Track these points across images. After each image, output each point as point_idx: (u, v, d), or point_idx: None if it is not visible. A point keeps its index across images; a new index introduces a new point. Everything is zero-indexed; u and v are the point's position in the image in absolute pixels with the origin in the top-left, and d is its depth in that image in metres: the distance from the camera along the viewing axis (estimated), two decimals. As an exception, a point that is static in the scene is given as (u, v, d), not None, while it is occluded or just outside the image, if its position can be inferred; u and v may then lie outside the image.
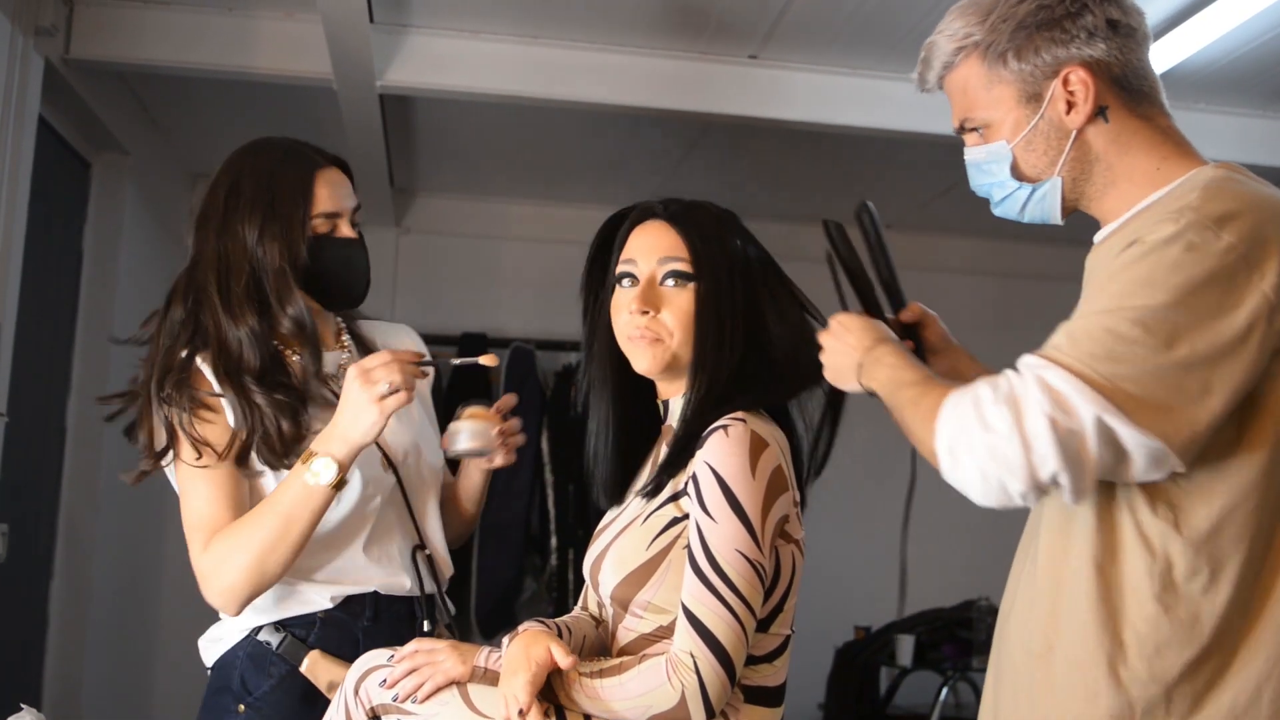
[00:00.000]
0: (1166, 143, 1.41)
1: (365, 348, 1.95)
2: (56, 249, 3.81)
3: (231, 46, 3.40)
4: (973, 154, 1.49)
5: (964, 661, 4.31)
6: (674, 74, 3.61)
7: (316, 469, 1.66)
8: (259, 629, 1.76)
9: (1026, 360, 1.26)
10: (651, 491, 1.58)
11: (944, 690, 4.21)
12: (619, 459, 1.72)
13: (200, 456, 1.72)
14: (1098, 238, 1.44)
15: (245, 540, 1.67)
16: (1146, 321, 1.21)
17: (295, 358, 1.81)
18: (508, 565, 4.60)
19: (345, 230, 1.85)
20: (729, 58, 3.63)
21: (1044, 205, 1.45)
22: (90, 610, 3.94)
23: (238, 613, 1.71)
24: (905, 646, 4.27)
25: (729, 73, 3.63)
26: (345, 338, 1.95)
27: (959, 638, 4.37)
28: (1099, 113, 1.39)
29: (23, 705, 1.79)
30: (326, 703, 1.71)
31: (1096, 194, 1.43)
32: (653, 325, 1.61)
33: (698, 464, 1.52)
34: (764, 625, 1.54)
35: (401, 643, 1.71)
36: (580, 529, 4.64)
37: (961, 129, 1.49)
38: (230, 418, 1.73)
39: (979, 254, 5.47)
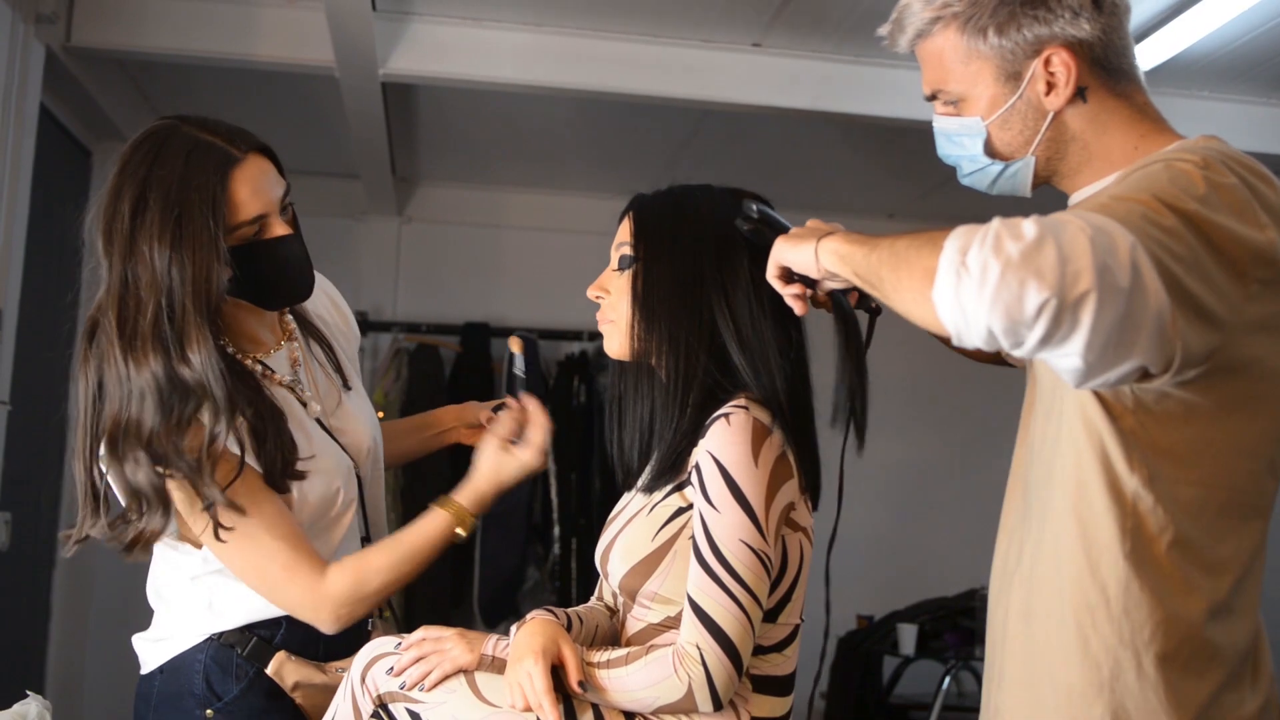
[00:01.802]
0: (1144, 120, 1.37)
1: (310, 329, 1.87)
2: (58, 237, 3.79)
3: (233, 34, 3.39)
4: (943, 124, 1.44)
5: (966, 650, 4.29)
6: (678, 61, 3.60)
7: (471, 525, 1.72)
8: (221, 633, 1.71)
9: None
10: (649, 487, 1.57)
11: (946, 679, 4.20)
12: (643, 445, 1.69)
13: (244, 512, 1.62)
14: (1071, 201, 1.40)
15: (390, 580, 1.68)
16: (1172, 204, 1.14)
17: (250, 361, 1.72)
18: (510, 554, 4.60)
19: (276, 229, 1.66)
20: (732, 45, 3.61)
21: (1014, 182, 1.42)
22: (93, 599, 3.94)
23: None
24: (908, 636, 4.27)
25: (732, 60, 3.62)
26: (289, 318, 1.84)
27: (961, 627, 4.35)
28: (1078, 93, 1.35)
29: (28, 692, 1.78)
30: (291, 702, 1.70)
31: (1070, 171, 1.40)
32: (606, 310, 1.64)
33: (700, 453, 1.51)
34: (772, 615, 1.53)
35: (357, 637, 1.72)
36: (582, 518, 4.64)
37: (933, 96, 1.45)
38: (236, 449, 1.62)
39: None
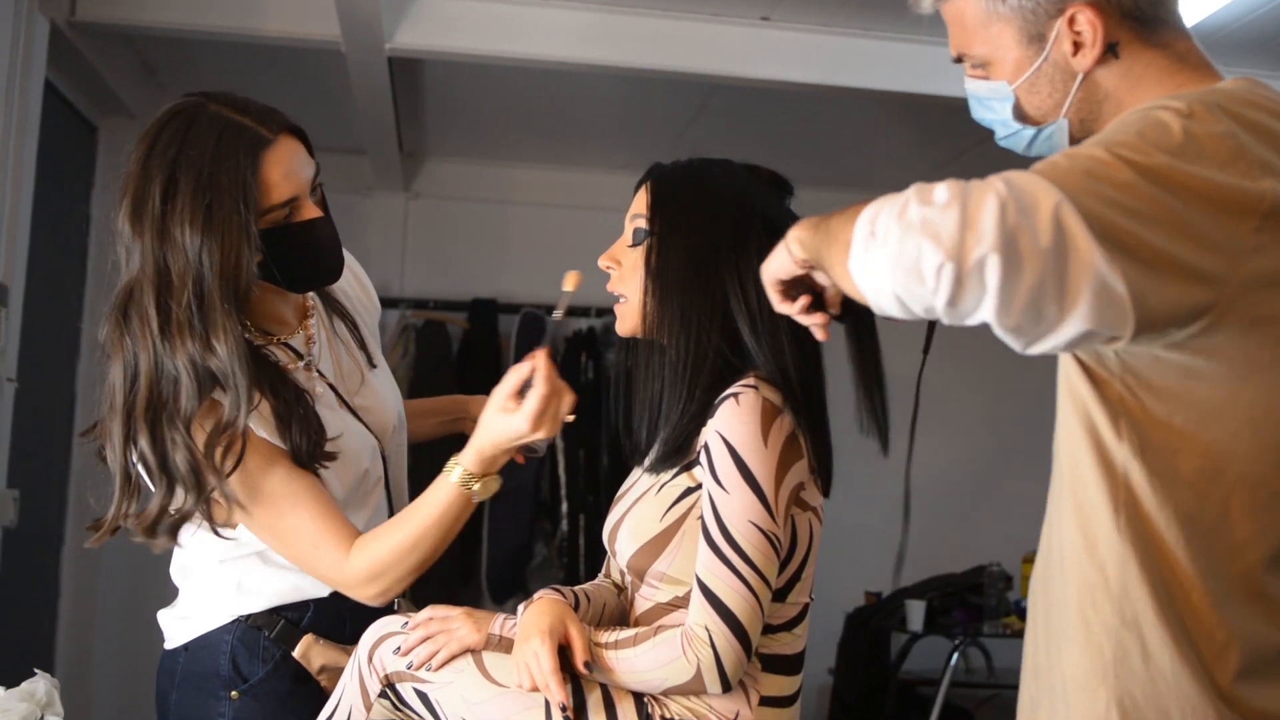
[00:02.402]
0: (1184, 69, 1.27)
1: (334, 306, 1.85)
2: (64, 214, 3.79)
3: (239, 8, 3.37)
4: (973, 86, 1.37)
5: (974, 627, 4.30)
6: (685, 35, 3.56)
7: (489, 487, 1.62)
8: (249, 615, 1.70)
9: None
10: (656, 466, 1.55)
11: (954, 655, 4.20)
12: (649, 424, 1.68)
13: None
14: None
15: (407, 552, 1.61)
16: (1129, 158, 1.07)
17: (275, 344, 1.71)
18: (518, 531, 4.60)
19: (307, 212, 1.64)
20: (740, 19, 3.58)
21: (1051, 144, 1.35)
22: (101, 577, 3.95)
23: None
24: (916, 612, 4.27)
25: (741, 34, 3.59)
26: (311, 298, 1.82)
27: (970, 603, 4.36)
28: (1109, 49, 1.26)
29: (36, 670, 1.78)
30: (317, 685, 1.70)
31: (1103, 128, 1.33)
32: (616, 283, 1.62)
33: (709, 433, 1.49)
34: (782, 594, 1.52)
35: (379, 618, 1.69)
36: (590, 495, 4.63)
37: (959, 59, 1.39)
38: (264, 433, 1.62)
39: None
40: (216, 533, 1.64)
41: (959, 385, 5.22)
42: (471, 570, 4.61)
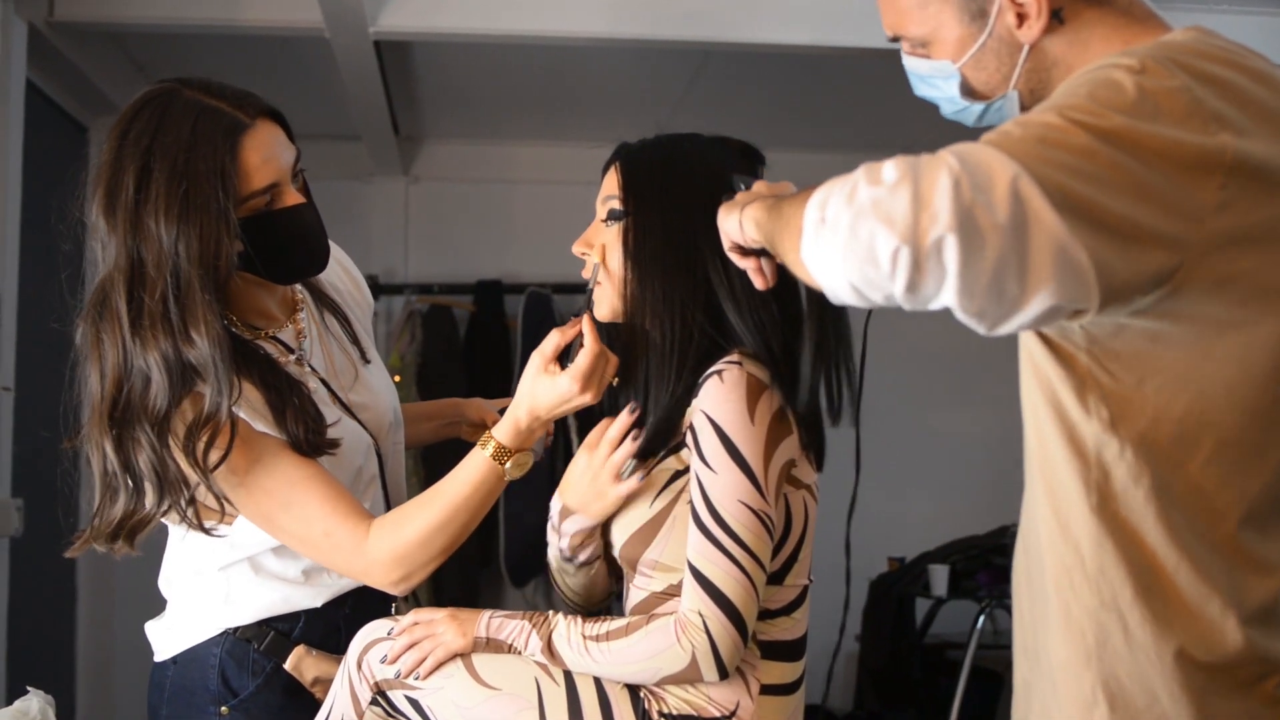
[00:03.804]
0: (1130, 23, 1.22)
1: (324, 301, 1.80)
2: (58, 215, 3.76)
3: (218, 0, 3.32)
4: (913, 64, 1.31)
5: (1000, 589, 4.23)
6: (677, 1, 3.49)
7: (523, 463, 1.56)
8: (237, 627, 1.66)
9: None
10: (644, 451, 1.50)
11: (981, 618, 4.16)
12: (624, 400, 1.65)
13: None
14: None
15: (435, 532, 1.55)
16: (1084, 121, 1.02)
17: (262, 338, 1.67)
18: (534, 513, 4.55)
19: (288, 198, 1.58)
20: (732, -18, 3.51)
21: (1001, 116, 1.30)
22: (117, 578, 3.94)
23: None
24: (940, 577, 4.22)
25: (732, -2, 3.52)
26: (298, 289, 1.76)
27: (994, 565, 4.29)
28: (1053, 15, 1.21)
29: (29, 689, 1.76)
30: (310, 697, 1.66)
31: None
32: (591, 267, 1.57)
33: (694, 413, 1.45)
34: (778, 577, 1.48)
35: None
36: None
37: (895, 39, 1.33)
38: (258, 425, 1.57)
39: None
40: (206, 532, 1.58)
41: (982, 351, 5.15)
42: (490, 553, 4.59)
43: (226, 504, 1.55)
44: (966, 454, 5.16)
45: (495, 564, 4.60)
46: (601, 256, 1.56)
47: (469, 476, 1.55)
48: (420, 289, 4.79)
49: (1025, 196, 0.95)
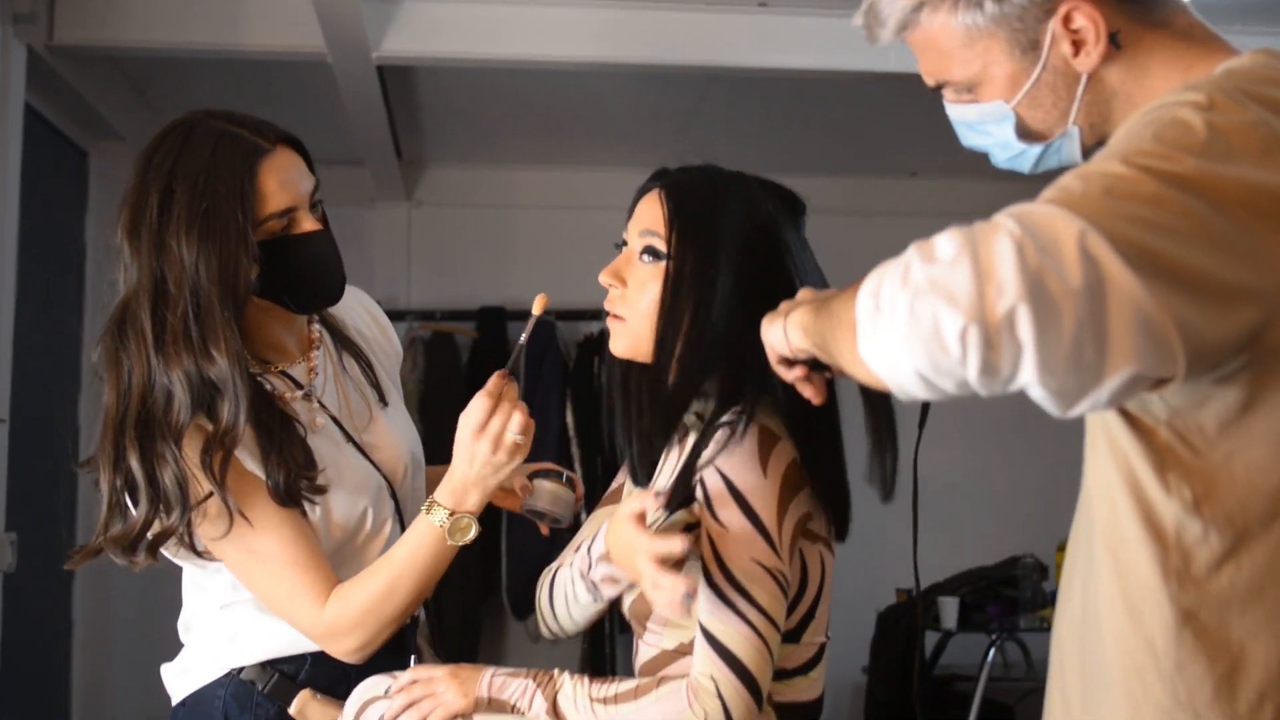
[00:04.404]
0: (1190, 47, 1.14)
1: (345, 343, 1.78)
2: (59, 242, 3.72)
3: (219, 23, 3.30)
4: (960, 113, 1.21)
5: (1010, 621, 4.18)
6: (681, 26, 3.47)
7: (462, 526, 1.51)
8: (242, 668, 1.62)
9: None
10: (668, 505, 1.44)
11: (991, 651, 4.09)
12: (638, 443, 1.59)
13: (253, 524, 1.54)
14: None
15: (382, 604, 1.53)
16: (1152, 167, 0.93)
17: (273, 372, 1.65)
18: (538, 541, 4.48)
19: (305, 224, 1.59)
20: (737, 6, 3.47)
21: (1061, 155, 1.20)
22: (114, 613, 3.88)
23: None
24: (949, 609, 4.15)
25: (738, 22, 3.49)
26: (317, 328, 1.76)
27: (1004, 597, 4.23)
28: (1110, 41, 1.12)
29: None
30: None
31: (1116, 128, 1.15)
32: (618, 303, 1.49)
33: (704, 466, 1.39)
34: (794, 635, 1.41)
35: (390, 670, 1.59)
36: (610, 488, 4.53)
37: (939, 87, 1.23)
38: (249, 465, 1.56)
39: (1005, 196, 5.22)
40: (197, 551, 1.55)
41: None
42: (492, 584, 4.52)
43: (240, 516, 1.53)
44: (974, 485, 5.09)
45: (497, 595, 4.53)
46: (623, 285, 1.49)
47: (415, 540, 1.54)
48: (422, 315, 4.75)
49: (1096, 256, 0.87)
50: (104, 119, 3.75)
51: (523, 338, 1.56)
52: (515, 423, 1.46)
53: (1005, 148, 1.21)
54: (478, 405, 1.47)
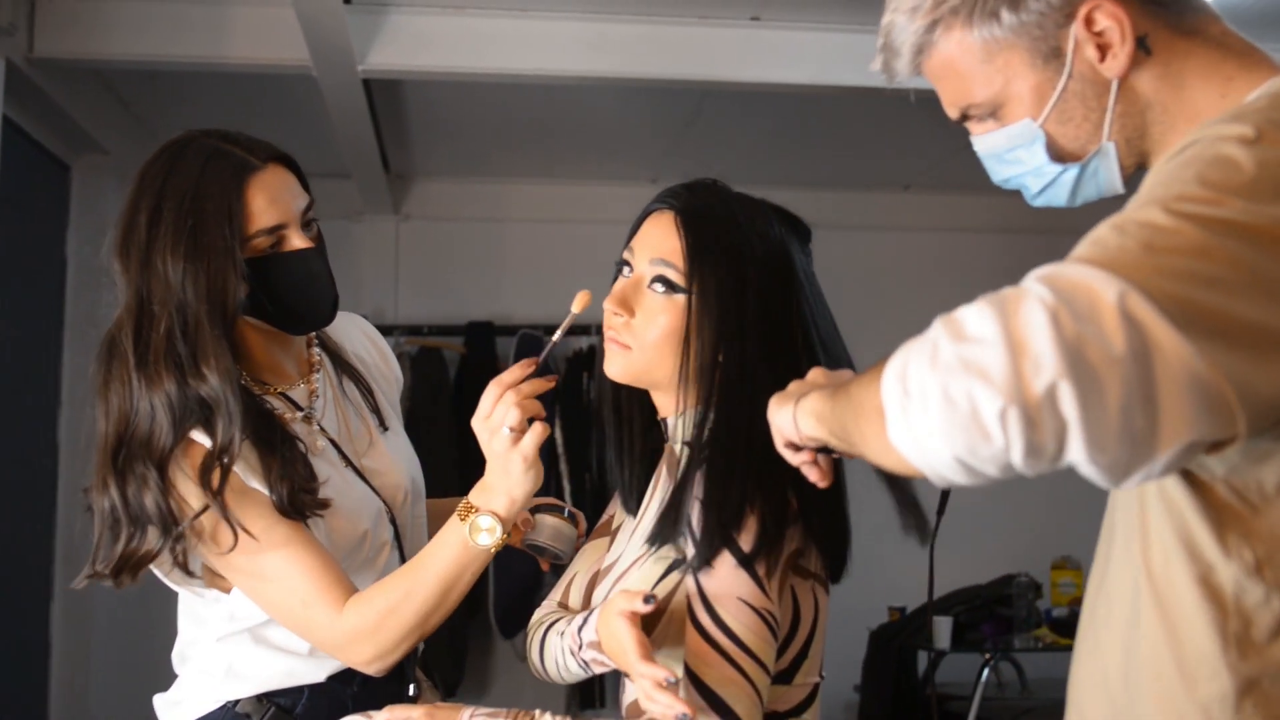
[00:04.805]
0: (1228, 58, 1.07)
1: (345, 368, 1.76)
2: (40, 256, 3.66)
3: (203, 36, 3.24)
4: (987, 143, 1.14)
5: (1005, 640, 4.13)
6: (673, 40, 3.42)
7: (484, 528, 1.45)
8: (238, 701, 1.58)
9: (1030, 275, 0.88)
10: (653, 539, 1.40)
11: (985, 671, 4.04)
12: (629, 468, 1.54)
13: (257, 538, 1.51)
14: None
15: (400, 608, 1.48)
16: (1195, 214, 0.87)
17: (271, 394, 1.63)
18: (525, 560, 4.42)
19: (295, 241, 1.57)
20: (729, 20, 3.44)
21: (1099, 182, 1.13)
22: (94, 630, 3.81)
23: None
24: (943, 629, 4.09)
25: (730, 36, 3.45)
26: (316, 351, 1.74)
27: (998, 615, 4.18)
28: (1139, 45, 1.06)
29: None
30: None
31: (1155, 146, 1.09)
32: (622, 331, 1.43)
33: (690, 500, 1.34)
34: (786, 676, 1.35)
35: (395, 698, 1.56)
36: (600, 519, 4.47)
37: (963, 117, 1.17)
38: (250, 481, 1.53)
39: (999, 211, 5.25)
40: (192, 573, 1.51)
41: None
42: (478, 603, 4.46)
43: (222, 561, 1.50)
44: (968, 503, 5.03)
45: (484, 614, 4.47)
46: (630, 315, 1.43)
47: (442, 545, 1.49)
48: (410, 330, 4.70)
49: (1139, 319, 0.80)
50: (87, 133, 3.69)
51: (556, 335, 1.51)
52: (511, 416, 1.40)
53: (1039, 175, 1.14)
54: (486, 392, 1.42)
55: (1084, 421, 0.79)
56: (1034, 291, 0.82)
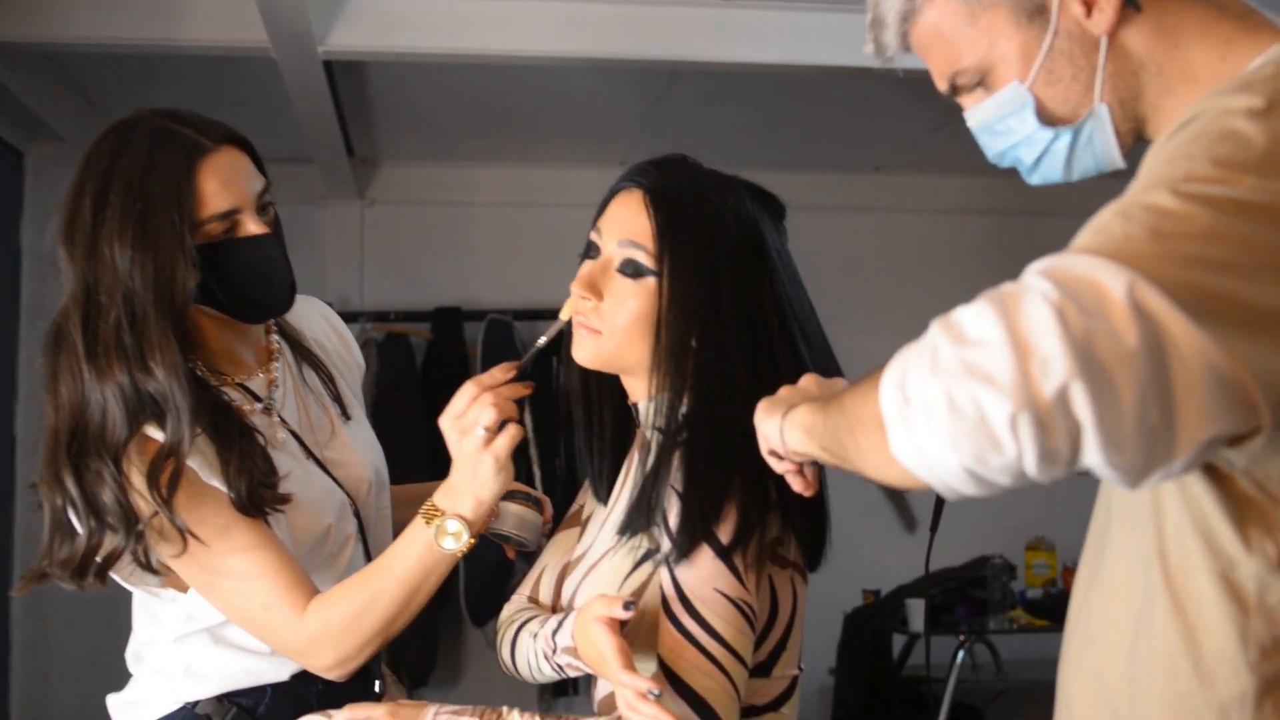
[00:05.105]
0: (1224, 18, 1.03)
1: (305, 355, 1.70)
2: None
3: (156, 18, 3.15)
4: (979, 114, 1.11)
5: (979, 623, 4.13)
6: (645, 20, 3.36)
7: (450, 532, 1.41)
8: (197, 702, 1.53)
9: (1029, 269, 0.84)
10: (624, 528, 1.35)
11: (960, 654, 4.04)
12: (599, 455, 1.51)
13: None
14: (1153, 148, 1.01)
15: (364, 613, 1.44)
16: (1204, 195, 0.83)
17: (229, 385, 1.57)
18: (495, 548, 4.38)
19: (250, 227, 1.50)
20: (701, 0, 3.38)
21: (1095, 152, 1.08)
22: (54, 632, 3.75)
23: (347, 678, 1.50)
24: (917, 611, 4.09)
25: (702, 16, 3.38)
26: (275, 339, 1.68)
27: (973, 598, 4.18)
28: (1127, 2, 1.03)
29: None
30: None
31: (1151, 111, 1.05)
32: (591, 315, 1.39)
33: (663, 488, 1.30)
34: (765, 668, 1.32)
35: (359, 697, 1.50)
36: (570, 507, 4.43)
37: (954, 90, 1.13)
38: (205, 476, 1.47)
39: (975, 192, 5.24)
40: (153, 570, 1.45)
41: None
42: (448, 591, 4.40)
43: (191, 537, 1.44)
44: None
45: (454, 602, 4.42)
46: (598, 299, 1.39)
47: (405, 545, 1.45)
48: (376, 316, 4.63)
49: (1151, 310, 0.76)
50: (40, 119, 3.61)
51: (541, 341, 1.48)
52: (486, 415, 1.36)
53: (1031, 144, 1.10)
54: (460, 391, 1.38)
55: (1099, 423, 0.75)
56: (1036, 287, 0.77)
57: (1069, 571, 4.46)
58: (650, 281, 1.36)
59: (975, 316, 0.78)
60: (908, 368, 0.81)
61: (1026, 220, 5.10)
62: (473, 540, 1.42)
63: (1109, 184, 1.05)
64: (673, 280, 1.35)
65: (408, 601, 1.44)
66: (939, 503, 1.17)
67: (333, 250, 4.78)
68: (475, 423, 1.36)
